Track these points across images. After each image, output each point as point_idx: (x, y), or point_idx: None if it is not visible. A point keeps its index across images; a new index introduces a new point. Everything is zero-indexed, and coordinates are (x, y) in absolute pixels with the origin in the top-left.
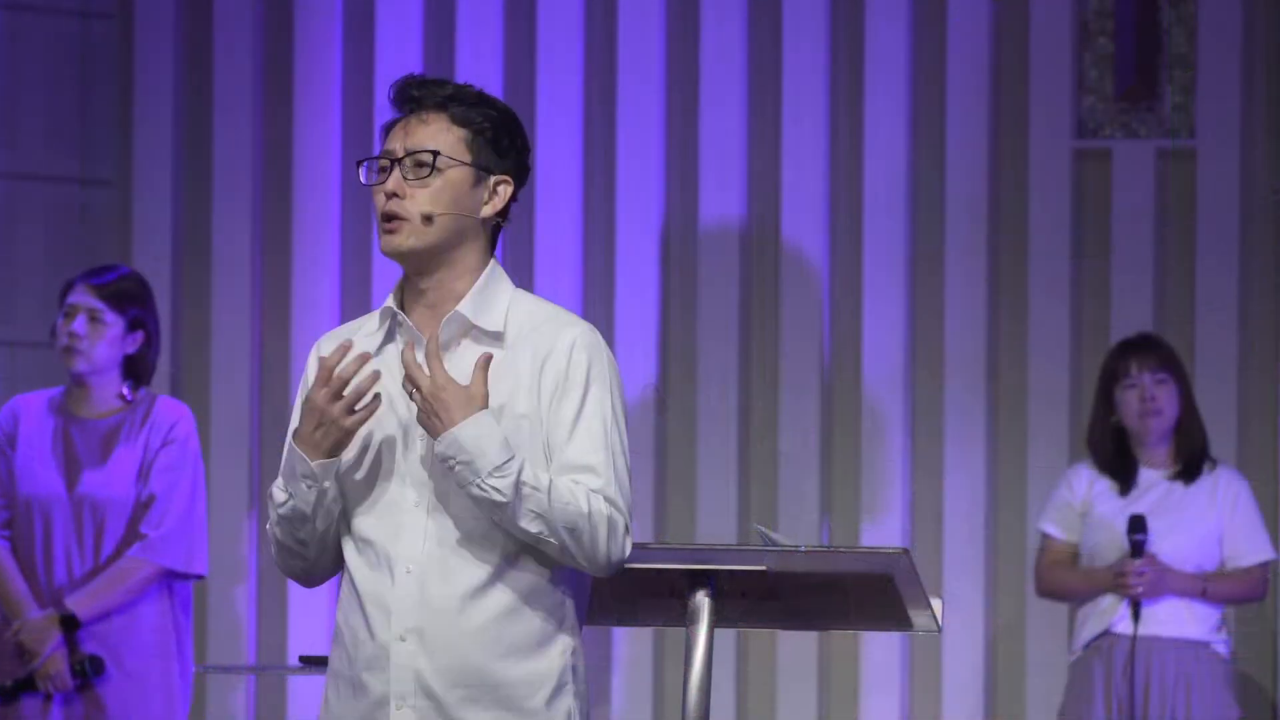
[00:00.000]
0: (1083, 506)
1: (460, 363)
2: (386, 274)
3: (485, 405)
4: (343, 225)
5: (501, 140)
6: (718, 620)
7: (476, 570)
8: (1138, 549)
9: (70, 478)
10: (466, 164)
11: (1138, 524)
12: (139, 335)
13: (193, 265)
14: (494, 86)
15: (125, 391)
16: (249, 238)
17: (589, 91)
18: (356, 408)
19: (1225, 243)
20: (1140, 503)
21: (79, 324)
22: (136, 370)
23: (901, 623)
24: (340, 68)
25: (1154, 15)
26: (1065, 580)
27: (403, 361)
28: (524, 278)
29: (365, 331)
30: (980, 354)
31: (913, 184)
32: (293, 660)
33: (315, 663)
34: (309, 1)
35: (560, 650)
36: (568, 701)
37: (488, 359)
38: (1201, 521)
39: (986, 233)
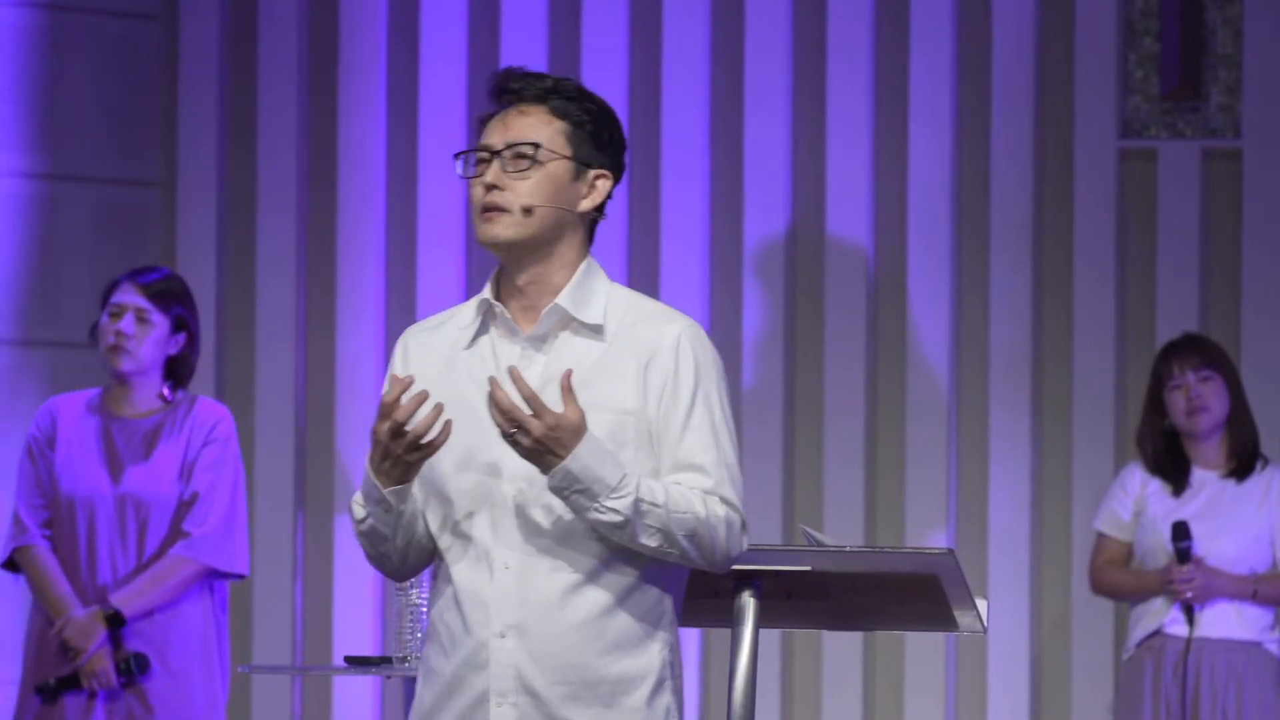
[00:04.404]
0: (1136, 506)
1: (559, 357)
2: (432, 272)
3: (585, 428)
4: (388, 224)
5: (601, 134)
6: (763, 621)
7: (576, 565)
8: (1183, 556)
9: (114, 476)
10: (567, 157)
11: (1181, 531)
12: (182, 336)
13: (237, 265)
14: None
15: (166, 392)
16: (293, 237)
17: (634, 88)
18: (422, 441)
19: (1270, 242)
20: (1192, 503)
21: (126, 323)
22: (178, 371)
23: (947, 623)
24: (385, 67)
25: (1199, 15)
26: (1117, 580)
27: (497, 404)
28: None
29: (458, 324)
30: (1025, 354)
31: (958, 185)
32: (338, 661)
33: (360, 663)
34: (354, 2)
35: (660, 647)
36: (666, 699)
37: (569, 378)
38: (1253, 522)
39: (1031, 233)
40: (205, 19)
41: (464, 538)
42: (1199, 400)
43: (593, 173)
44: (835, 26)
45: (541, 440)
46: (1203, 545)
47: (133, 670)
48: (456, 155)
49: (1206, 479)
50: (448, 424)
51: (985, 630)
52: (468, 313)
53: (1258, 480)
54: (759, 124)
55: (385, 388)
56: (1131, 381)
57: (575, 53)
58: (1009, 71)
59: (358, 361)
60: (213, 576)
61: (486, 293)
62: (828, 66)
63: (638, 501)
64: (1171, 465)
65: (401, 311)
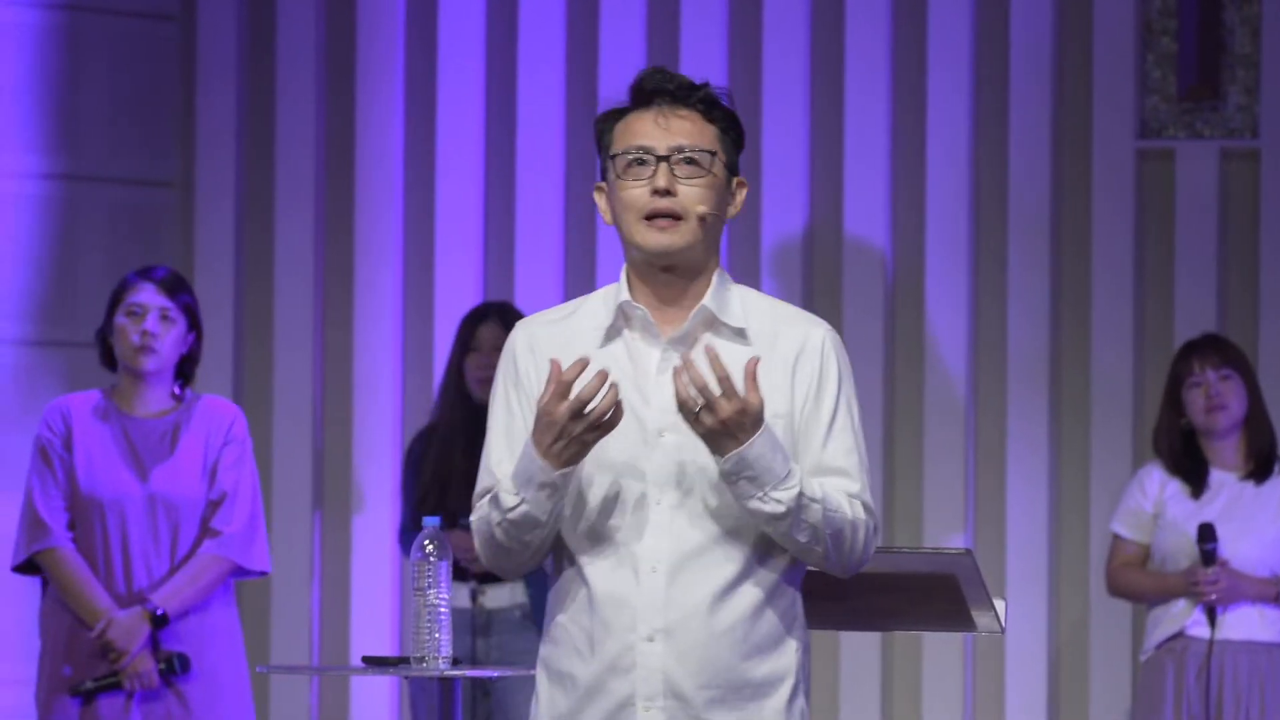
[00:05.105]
0: (1155, 508)
1: (702, 359)
2: (451, 271)
3: (763, 418)
4: (406, 224)
5: (740, 141)
6: None
7: (723, 569)
8: (1208, 558)
9: (140, 478)
10: (725, 164)
11: (1207, 533)
12: (193, 335)
13: (255, 266)
14: (555, 83)
15: (177, 390)
16: (311, 237)
17: None
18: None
19: None
20: (1212, 505)
21: (152, 322)
22: (187, 370)
23: (964, 623)
24: (403, 68)
25: (1217, 15)
26: (1136, 582)
27: (689, 381)
28: (585, 280)
29: (588, 322)
30: (1043, 354)
31: (975, 187)
32: (355, 661)
33: (378, 663)
34: (372, 2)
35: (795, 647)
36: (801, 702)
37: (755, 365)
38: (1273, 524)
39: (1049, 234)
40: (223, 19)
41: (604, 540)
42: (1218, 399)
43: (735, 180)
44: (853, 28)
45: (726, 422)
46: (1224, 547)
47: (175, 670)
48: (612, 156)
49: (1225, 480)
50: (619, 405)
51: (1003, 631)
52: (595, 311)
53: (1276, 482)
54: (776, 126)
55: (500, 386)
56: (1149, 383)
57: (593, 55)
58: (1027, 72)
59: (376, 361)
60: (241, 574)
61: (624, 294)
62: (845, 68)
63: (801, 495)
64: (1190, 466)
65: (420, 311)
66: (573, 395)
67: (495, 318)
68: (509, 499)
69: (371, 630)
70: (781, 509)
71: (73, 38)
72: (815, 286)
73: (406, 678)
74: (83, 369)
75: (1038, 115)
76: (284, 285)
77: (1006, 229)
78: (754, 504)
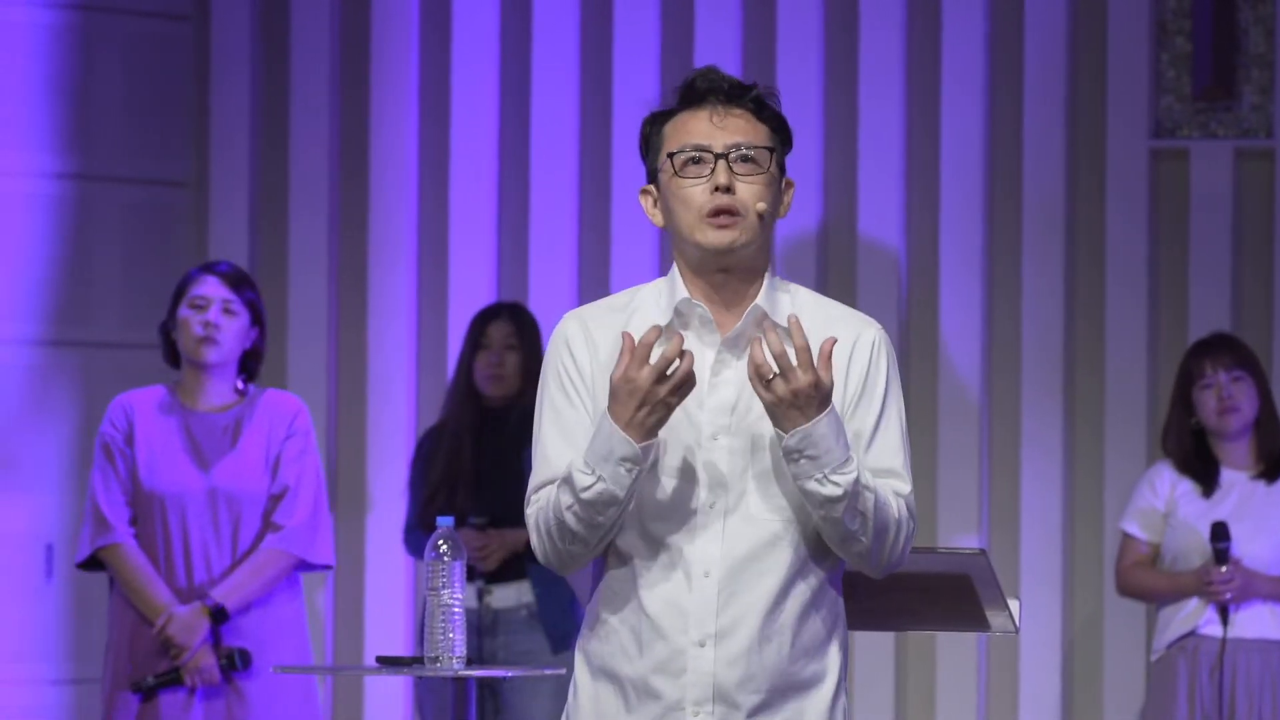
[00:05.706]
0: (1166, 508)
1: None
2: (464, 269)
3: (831, 399)
4: (420, 222)
5: (790, 142)
6: None
7: (774, 575)
8: (1221, 556)
9: (202, 472)
10: (778, 163)
11: (1220, 531)
12: (256, 330)
13: (269, 265)
14: (569, 83)
15: (240, 385)
16: (325, 237)
17: (665, 89)
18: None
19: None
20: (1223, 504)
21: (214, 314)
22: (250, 365)
23: (979, 624)
24: (417, 68)
25: (1232, 15)
26: (1148, 582)
27: (768, 349)
28: (598, 279)
29: (647, 316)
30: (1057, 355)
31: (989, 186)
32: (369, 661)
33: (392, 663)
34: (386, 2)
35: (837, 647)
36: (843, 700)
37: (832, 345)
38: None
39: (1063, 233)
40: (237, 18)
41: (656, 543)
42: (1230, 400)
43: (784, 179)
44: (867, 28)
45: (797, 393)
46: (1236, 546)
47: (237, 665)
48: (669, 155)
49: (1236, 479)
50: (692, 375)
51: (1017, 630)
52: (648, 308)
53: None
54: (791, 125)
55: (551, 378)
56: (1163, 384)
57: (607, 54)
58: (1041, 72)
59: (389, 362)
60: (303, 569)
61: (682, 292)
62: (859, 68)
63: (858, 481)
64: (1200, 465)
65: (433, 311)
66: (654, 359)
67: (506, 316)
68: (584, 478)
69: (385, 630)
70: (839, 492)
71: (87, 37)
72: (829, 288)
73: (420, 678)
74: (97, 369)
75: (1052, 115)
76: (298, 285)
77: (1020, 229)
78: (811, 485)
